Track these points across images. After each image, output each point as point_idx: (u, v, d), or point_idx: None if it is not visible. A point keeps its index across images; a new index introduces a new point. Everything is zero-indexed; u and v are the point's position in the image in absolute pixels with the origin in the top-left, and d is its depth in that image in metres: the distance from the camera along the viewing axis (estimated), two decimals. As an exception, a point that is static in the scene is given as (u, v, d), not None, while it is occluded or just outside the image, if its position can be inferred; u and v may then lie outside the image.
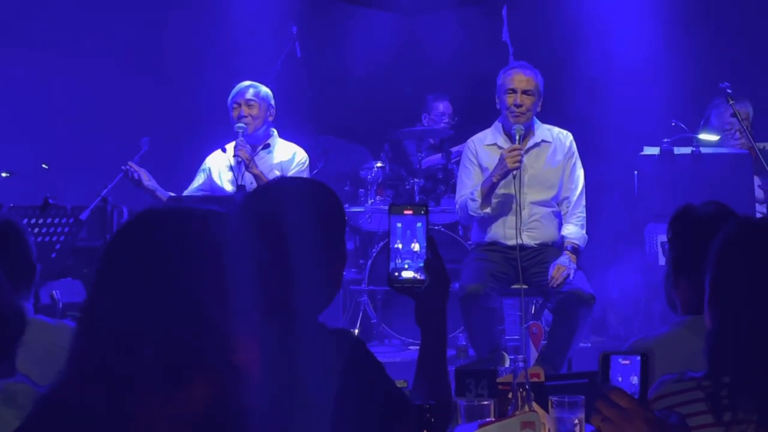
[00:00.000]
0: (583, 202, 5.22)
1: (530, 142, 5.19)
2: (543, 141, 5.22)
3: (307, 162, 5.63)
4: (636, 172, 5.03)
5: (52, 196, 4.93)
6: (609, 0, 7.25)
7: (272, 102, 5.60)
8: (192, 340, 1.33)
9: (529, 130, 5.20)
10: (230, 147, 5.59)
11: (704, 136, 5.34)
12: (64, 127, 6.71)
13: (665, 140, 5.01)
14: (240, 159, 5.37)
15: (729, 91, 5.13)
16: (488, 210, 5.11)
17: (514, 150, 4.97)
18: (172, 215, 1.43)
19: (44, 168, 5.88)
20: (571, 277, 4.94)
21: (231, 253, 1.41)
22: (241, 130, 5.45)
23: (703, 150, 4.96)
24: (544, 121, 5.32)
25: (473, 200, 5.12)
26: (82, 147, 6.71)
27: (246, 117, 5.49)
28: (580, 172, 5.24)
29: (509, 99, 5.11)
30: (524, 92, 5.10)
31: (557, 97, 7.17)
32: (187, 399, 1.33)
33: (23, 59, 6.68)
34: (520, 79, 5.11)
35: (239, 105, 5.53)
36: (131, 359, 1.31)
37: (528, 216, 5.12)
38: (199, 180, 5.61)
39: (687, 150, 4.94)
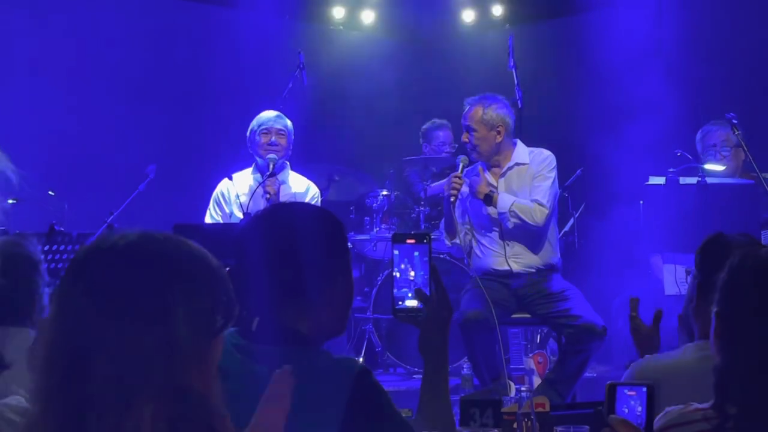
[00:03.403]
0: (538, 203, 5.07)
1: (504, 167, 5.20)
2: (517, 164, 5.20)
3: (320, 197, 5.68)
4: (641, 202, 5.03)
5: (58, 222, 4.94)
6: (614, 30, 7.27)
7: (292, 136, 5.63)
8: (141, 362, 1.35)
9: (506, 155, 5.19)
10: (237, 175, 5.60)
11: (710, 166, 5.36)
12: (70, 154, 6.72)
13: (671, 170, 5.01)
14: (269, 192, 5.38)
15: (735, 121, 5.15)
16: (456, 241, 5.17)
17: (453, 178, 5.04)
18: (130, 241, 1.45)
19: (50, 195, 5.89)
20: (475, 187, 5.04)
21: (183, 274, 1.42)
22: (273, 162, 5.45)
23: (709, 180, 4.96)
24: (550, 149, 5.33)
25: (442, 232, 5.26)
26: (89, 174, 6.73)
27: (277, 146, 5.51)
28: (544, 184, 5.12)
29: (463, 136, 5.22)
30: (467, 129, 5.15)
31: (562, 127, 7.20)
32: (138, 423, 1.34)
33: (30, 85, 6.71)
34: (465, 116, 5.18)
35: (269, 133, 5.53)
36: (84, 381, 1.34)
37: (510, 242, 5.12)
38: (216, 211, 5.59)
39: (693, 180, 4.94)
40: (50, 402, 1.36)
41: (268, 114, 5.62)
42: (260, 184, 5.50)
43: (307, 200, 5.54)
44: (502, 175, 5.19)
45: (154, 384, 1.35)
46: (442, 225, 5.37)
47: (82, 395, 1.34)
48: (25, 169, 6.34)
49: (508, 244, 5.11)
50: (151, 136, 6.78)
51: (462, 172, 5.12)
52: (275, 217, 2.14)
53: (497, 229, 5.12)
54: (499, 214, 5.06)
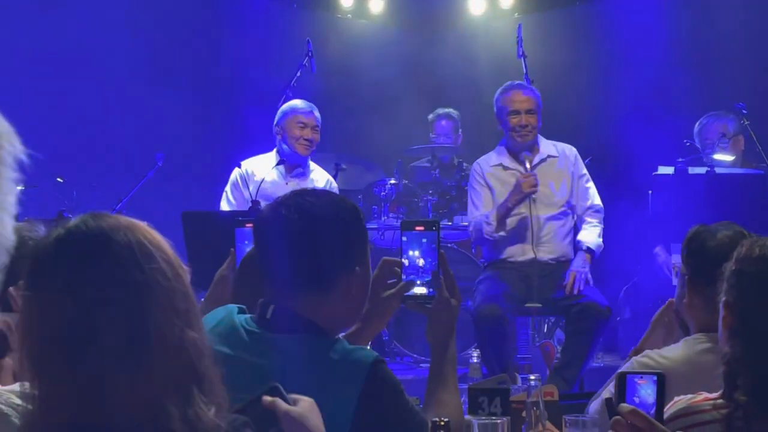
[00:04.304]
0: (599, 211, 5.28)
1: (536, 158, 5.24)
2: (549, 156, 5.30)
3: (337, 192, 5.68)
4: (650, 192, 5.02)
5: (66, 209, 4.95)
6: (622, 20, 7.25)
7: None
8: (144, 327, 1.38)
9: (534, 147, 5.26)
10: (251, 161, 5.55)
11: (719, 156, 5.35)
12: (79, 142, 6.73)
13: (680, 160, 5.01)
14: None
15: (744, 111, 5.14)
16: (503, 233, 5.16)
17: (528, 176, 5.05)
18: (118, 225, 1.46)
19: (59, 181, 5.90)
20: (590, 281, 4.98)
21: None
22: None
23: (718, 170, 4.95)
24: (559, 140, 5.37)
25: (488, 224, 5.19)
26: (97, 161, 6.74)
27: (311, 142, 5.44)
28: (591, 185, 5.33)
29: (514, 120, 5.20)
30: (527, 112, 5.18)
31: (571, 117, 7.17)
32: (149, 379, 1.37)
33: (39, 72, 6.72)
34: (521, 100, 5.21)
35: (306, 126, 5.45)
36: (92, 352, 1.36)
37: (540, 230, 5.14)
38: (234, 196, 5.53)
39: (702, 170, 4.93)
40: (60, 384, 1.37)
41: (304, 106, 5.51)
42: (276, 165, 5.46)
43: None
44: (535, 166, 5.22)
45: (159, 344, 1.38)
46: (472, 214, 5.34)
47: (92, 372, 1.35)
48: (33, 156, 6.36)
49: (537, 236, 5.14)
50: (159, 123, 6.78)
51: (531, 167, 5.15)
52: (294, 204, 2.07)
53: (528, 221, 5.14)
54: (595, 253, 5.20)
